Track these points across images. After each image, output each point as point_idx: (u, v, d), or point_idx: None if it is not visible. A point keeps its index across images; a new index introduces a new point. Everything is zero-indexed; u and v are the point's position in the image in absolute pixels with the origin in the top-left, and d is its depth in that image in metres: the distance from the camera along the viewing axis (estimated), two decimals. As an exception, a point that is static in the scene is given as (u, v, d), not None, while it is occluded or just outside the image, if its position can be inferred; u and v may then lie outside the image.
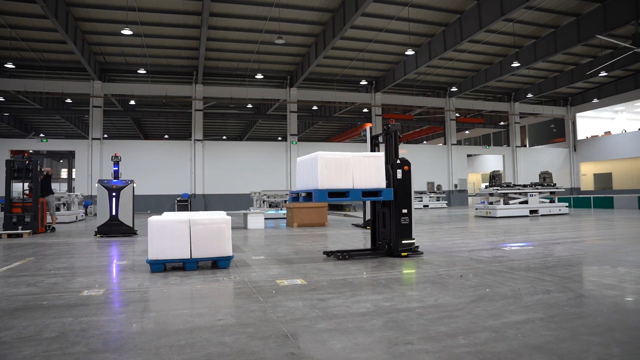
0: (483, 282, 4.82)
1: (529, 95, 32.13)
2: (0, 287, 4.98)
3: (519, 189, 17.51)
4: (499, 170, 19.31)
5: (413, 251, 6.82)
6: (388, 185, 6.81)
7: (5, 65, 23.23)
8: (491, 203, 17.45)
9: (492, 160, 42.03)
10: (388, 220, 6.97)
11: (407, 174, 6.86)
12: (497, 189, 17.14)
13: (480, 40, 22.71)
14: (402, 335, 3.07)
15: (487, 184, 18.83)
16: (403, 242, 6.74)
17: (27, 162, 11.89)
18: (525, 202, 17.26)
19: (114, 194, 10.98)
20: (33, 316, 3.69)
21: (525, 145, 39.99)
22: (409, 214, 6.80)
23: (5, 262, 6.96)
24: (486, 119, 35.71)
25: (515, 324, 3.26)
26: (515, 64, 23.72)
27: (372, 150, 7.76)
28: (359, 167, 6.45)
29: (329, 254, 6.97)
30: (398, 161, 6.89)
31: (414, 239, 6.85)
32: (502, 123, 35.98)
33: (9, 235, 10.94)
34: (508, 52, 24.78)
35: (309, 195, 6.48)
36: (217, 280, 5.21)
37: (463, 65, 26.98)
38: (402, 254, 6.69)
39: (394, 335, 3.08)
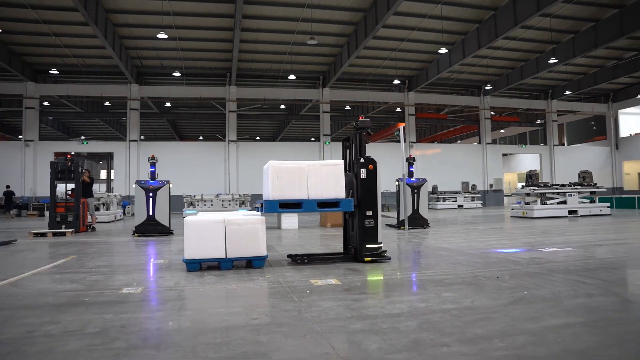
0: (520, 284, 4.70)
1: (567, 92, 31.11)
2: (47, 283, 5.22)
3: (557, 189, 16.99)
4: (535, 170, 18.78)
5: (379, 256, 6.40)
6: (355, 188, 6.48)
7: (50, 72, 24.42)
8: (528, 203, 17.00)
9: (528, 160, 40.94)
10: (355, 224, 6.61)
11: (372, 174, 6.47)
12: (534, 189, 16.69)
13: (515, 37, 22.16)
14: (438, 337, 3.03)
15: (524, 183, 18.34)
16: (367, 246, 6.34)
17: (69, 163, 12.34)
18: (564, 202, 16.73)
19: (150, 194, 11.24)
20: (77, 312, 3.84)
21: (564, 144, 38.81)
22: (375, 217, 6.40)
23: (51, 259, 7.25)
24: (522, 117, 34.84)
25: (555, 328, 3.17)
26: (553, 60, 23.02)
27: (344, 153, 7.36)
28: (314, 176, 6.16)
29: (293, 257, 6.57)
30: (362, 160, 6.51)
31: (380, 243, 6.46)
32: (538, 121, 34.99)
33: (54, 234, 11.42)
34: (545, 48, 24.09)
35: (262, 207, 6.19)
36: (251, 279, 5.27)
37: (498, 62, 26.41)
38: (366, 259, 6.31)
39: (429, 336, 3.04)
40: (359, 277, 5.29)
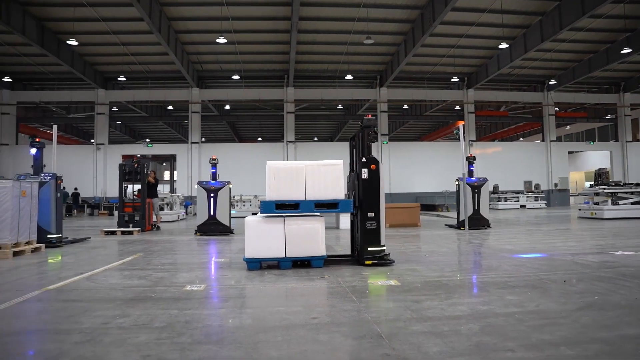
0: (590, 288, 4.46)
1: (643, 84, 29.03)
2: (117, 278, 5.54)
3: (630, 188, 15.90)
4: (605, 168, 17.74)
5: (381, 259, 6.18)
6: (357, 189, 6.31)
7: (118, 79, 26.04)
8: (597, 203, 16.04)
9: (597, 157, 38.66)
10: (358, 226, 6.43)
11: (374, 174, 6.26)
12: (604, 188, 15.70)
13: (582, 28, 20.92)
14: (501, 341, 2.94)
15: (592, 182, 17.34)
16: (369, 249, 6.16)
17: (136, 165, 13.00)
18: (639, 202, 15.64)
19: (212, 194, 11.62)
20: (145, 306, 4.05)
21: (638, 140, 36.27)
22: (377, 218, 6.20)
23: (120, 256, 7.68)
24: (589, 112, 32.90)
25: (633, 338, 2.98)
26: (626, 50, 21.45)
27: (351, 153, 7.23)
28: (312, 176, 6.10)
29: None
30: (364, 159, 6.32)
31: (383, 246, 6.26)
32: (608, 116, 32.89)
33: (122, 232, 12.08)
34: (617, 38, 22.57)
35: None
36: (311, 279, 5.32)
37: (562, 55, 25.08)
38: (367, 262, 6.11)
39: (492, 340, 2.96)
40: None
